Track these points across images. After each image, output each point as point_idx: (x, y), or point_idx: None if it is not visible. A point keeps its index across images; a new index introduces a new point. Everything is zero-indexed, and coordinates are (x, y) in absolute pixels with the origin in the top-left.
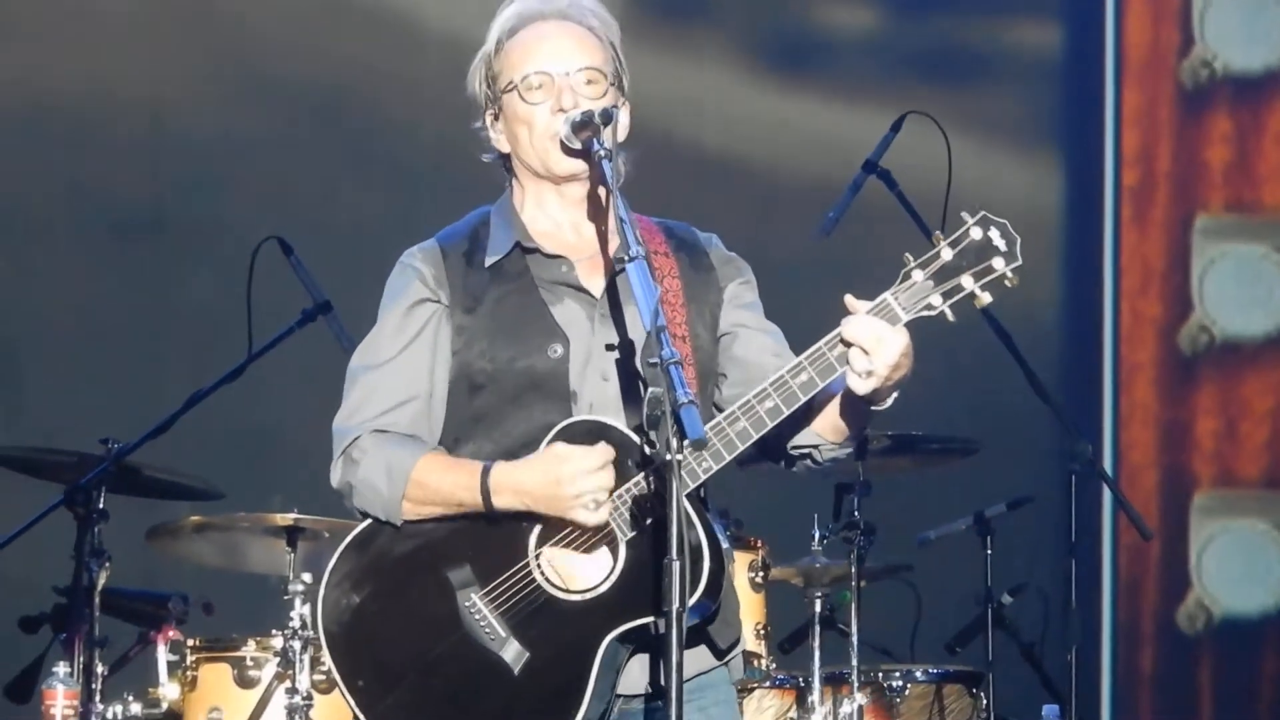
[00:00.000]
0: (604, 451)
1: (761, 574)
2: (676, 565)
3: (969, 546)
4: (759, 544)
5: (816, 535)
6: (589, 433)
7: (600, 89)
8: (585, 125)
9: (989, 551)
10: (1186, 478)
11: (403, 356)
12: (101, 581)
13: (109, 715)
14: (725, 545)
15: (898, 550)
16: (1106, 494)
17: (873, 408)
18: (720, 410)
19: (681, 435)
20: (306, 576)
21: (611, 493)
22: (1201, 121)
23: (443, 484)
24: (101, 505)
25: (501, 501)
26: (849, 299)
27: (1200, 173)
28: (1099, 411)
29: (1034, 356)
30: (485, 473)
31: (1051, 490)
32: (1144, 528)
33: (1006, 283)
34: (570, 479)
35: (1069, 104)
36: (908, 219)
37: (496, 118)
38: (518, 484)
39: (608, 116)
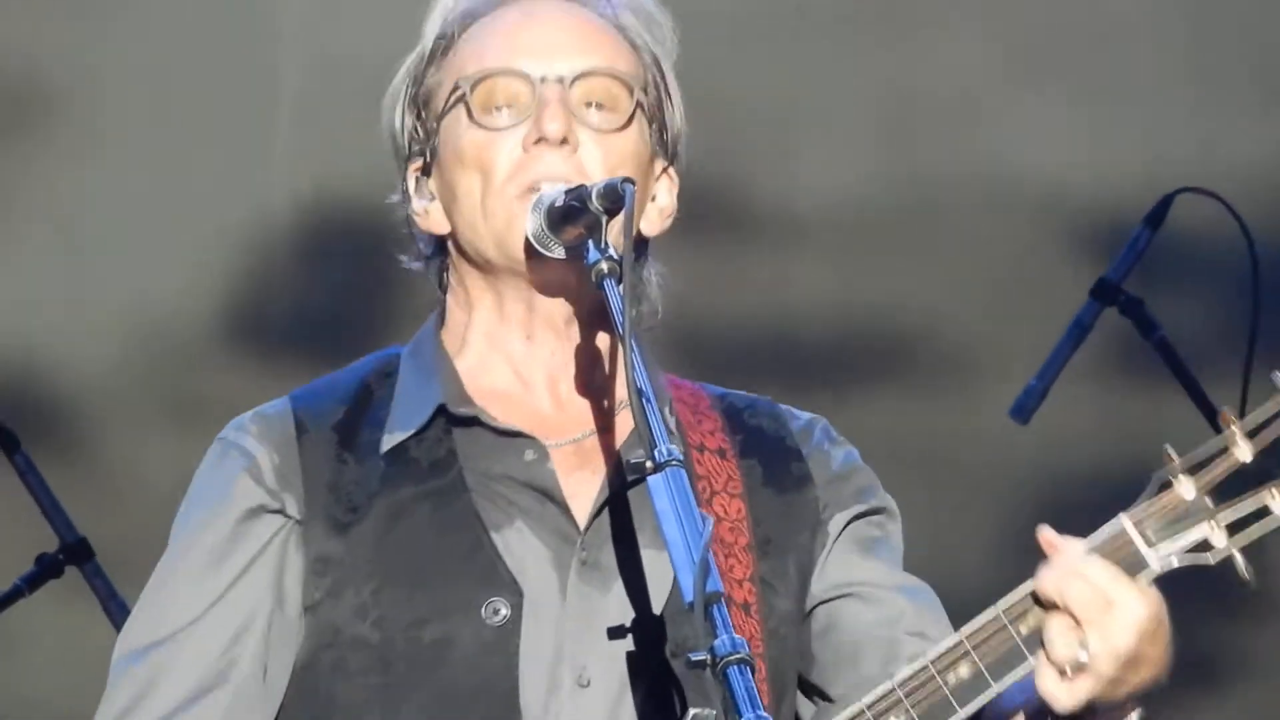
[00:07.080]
0: None
1: None
2: None
3: None
4: None
5: None
6: None
7: (618, 116)
8: (573, 215)
9: None
10: None
11: (210, 616)
12: None
13: None
14: None
15: None
16: None
17: None
18: None
19: None
20: None
21: None
22: None
23: None
24: None
25: None
26: (1045, 533)
27: None
28: None
29: None
30: None
31: None
32: None
33: None
34: None
35: None
36: None
37: (427, 170)
38: None
39: (614, 197)
